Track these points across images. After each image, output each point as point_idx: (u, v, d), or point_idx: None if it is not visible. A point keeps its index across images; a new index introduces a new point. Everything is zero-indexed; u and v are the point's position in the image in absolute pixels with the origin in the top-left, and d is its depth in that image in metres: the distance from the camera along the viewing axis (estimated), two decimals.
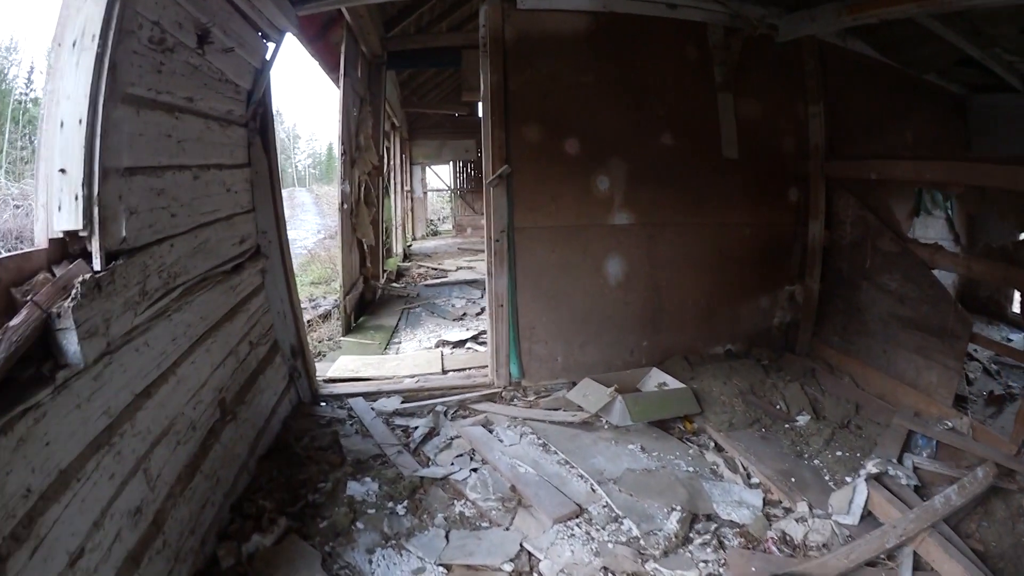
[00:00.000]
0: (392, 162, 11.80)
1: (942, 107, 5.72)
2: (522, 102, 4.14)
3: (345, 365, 4.97)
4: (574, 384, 4.37)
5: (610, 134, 4.35)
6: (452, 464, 3.42)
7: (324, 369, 4.88)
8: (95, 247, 1.93)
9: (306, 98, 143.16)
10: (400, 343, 5.94)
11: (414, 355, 5.31)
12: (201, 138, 2.79)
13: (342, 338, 6.06)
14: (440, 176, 20.27)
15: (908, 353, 3.92)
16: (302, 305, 8.09)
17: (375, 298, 7.74)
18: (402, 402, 4.10)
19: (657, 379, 4.29)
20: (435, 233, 18.71)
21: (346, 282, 6.27)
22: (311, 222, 22.51)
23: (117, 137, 2.00)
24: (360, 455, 3.47)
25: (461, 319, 6.73)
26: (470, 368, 4.89)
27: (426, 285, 8.72)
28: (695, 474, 3.32)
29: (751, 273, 4.79)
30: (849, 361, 4.44)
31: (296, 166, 57.50)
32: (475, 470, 3.34)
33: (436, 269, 10.64)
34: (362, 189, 6.94)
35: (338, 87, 6.28)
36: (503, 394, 4.26)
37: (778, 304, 4.89)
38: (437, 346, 5.61)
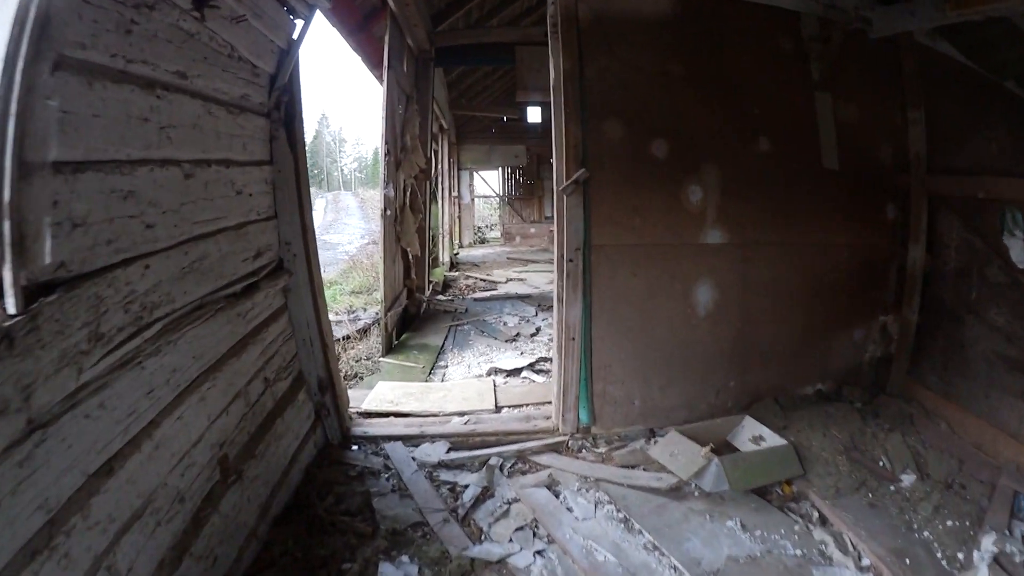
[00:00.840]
0: (440, 166, 11.25)
1: (1020, 117, 4.83)
2: (600, 94, 3.42)
3: (383, 395, 4.33)
4: (651, 432, 3.65)
5: (701, 135, 3.61)
6: (511, 541, 2.70)
7: (359, 398, 4.25)
8: (7, 279, 1.31)
9: (352, 102, 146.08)
10: (446, 367, 5.28)
11: (462, 385, 4.63)
12: (199, 126, 2.17)
13: (382, 359, 5.45)
14: (488, 182, 19.73)
15: (1012, 399, 3.35)
16: (340, 318, 7.55)
17: (420, 312, 7.13)
18: (449, 450, 3.42)
19: (751, 431, 3.53)
20: (483, 241, 18.14)
21: (388, 296, 5.66)
22: (355, 226, 22.33)
23: (46, 116, 1.38)
24: (397, 522, 2.79)
25: (514, 340, 6.03)
26: (527, 405, 4.18)
27: (475, 299, 8.07)
28: (803, 559, 2.64)
29: (845, 301, 4.02)
30: (946, 405, 3.73)
31: (342, 170, 58.20)
32: (540, 553, 2.62)
33: (485, 280, 10.00)
34: (407, 194, 6.34)
35: (381, 83, 5.69)
36: (570, 443, 3.53)
37: (871, 337, 4.12)
38: (489, 374, 4.92)
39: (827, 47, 3.77)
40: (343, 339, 6.24)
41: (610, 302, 3.44)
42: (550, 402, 4.20)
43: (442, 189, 11.37)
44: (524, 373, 4.90)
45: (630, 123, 3.45)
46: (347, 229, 21.23)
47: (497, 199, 20.37)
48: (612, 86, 3.44)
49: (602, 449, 3.53)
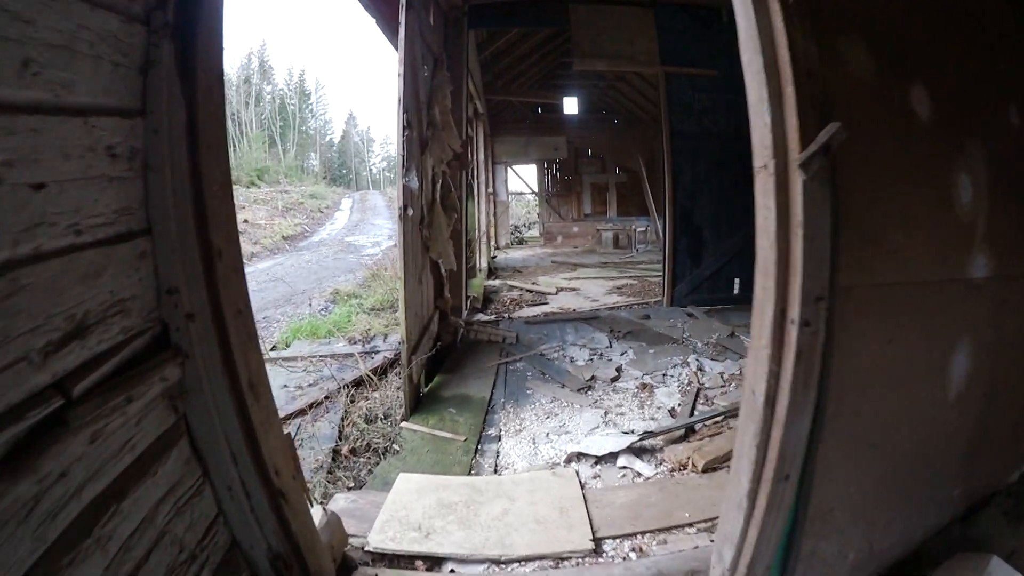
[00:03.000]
0: (475, 157, 9.58)
1: None
2: None
3: (406, 508, 2.68)
4: None
5: (968, 86, 1.88)
6: None
7: (366, 511, 2.64)
8: None
9: (379, 100, 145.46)
10: (500, 440, 3.59)
11: (531, 484, 2.92)
12: None
13: (405, 424, 3.80)
14: (522, 178, 18.06)
15: None
16: (351, 349, 5.92)
17: (456, 341, 5.48)
18: None
19: None
20: (520, 242, 16.46)
21: (411, 333, 4.01)
22: (382, 227, 20.84)
23: None
24: None
25: (589, 388, 4.31)
26: (645, 534, 2.48)
27: (525, 321, 6.32)
28: None
29: None
30: None
31: (371, 169, 57.23)
32: None
33: (532, 291, 8.31)
34: (437, 187, 4.69)
35: (398, 34, 4.02)
36: None
37: None
38: (569, 461, 3.22)
39: None
40: (351, 385, 4.64)
41: (853, 396, 1.66)
42: (683, 528, 2.51)
43: (478, 184, 9.71)
44: (624, 461, 3.17)
45: (878, 50, 1.70)
46: (373, 230, 19.77)
47: (533, 196, 18.70)
48: None
49: None
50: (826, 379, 1.56)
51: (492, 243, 12.90)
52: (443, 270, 5.12)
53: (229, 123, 38.96)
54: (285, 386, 4.91)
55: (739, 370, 4.77)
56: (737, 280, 6.81)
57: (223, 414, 1.45)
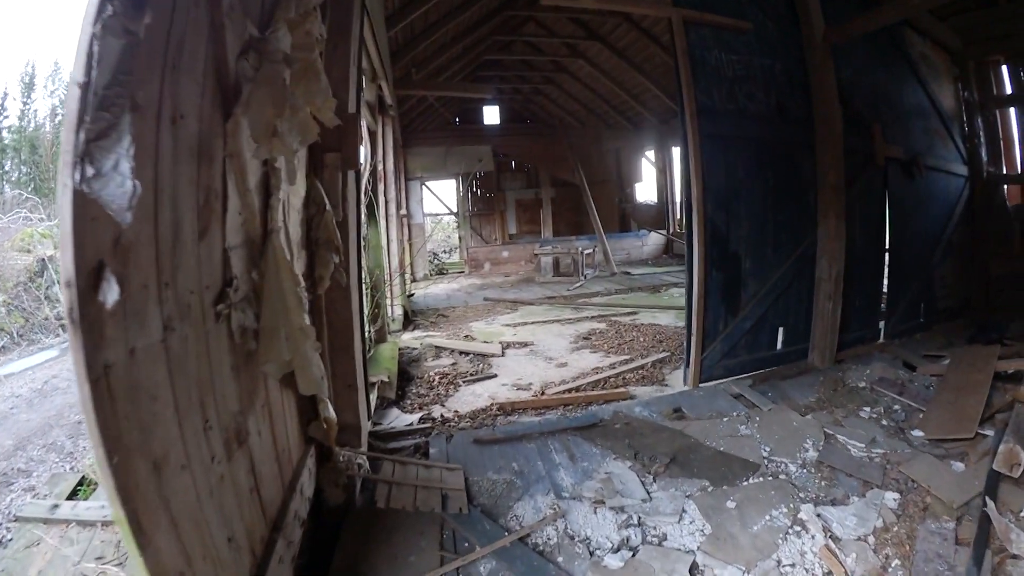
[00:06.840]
0: (383, 165, 6.94)
1: None
2: None
3: None
4: None
5: None
6: None
7: None
8: None
9: None
10: None
11: None
12: None
13: None
14: (439, 196, 15.56)
15: None
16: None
17: (352, 498, 2.84)
18: None
19: None
20: (441, 272, 13.80)
21: None
22: None
23: None
24: None
25: None
26: None
27: (475, 439, 3.54)
28: None
29: None
30: None
31: None
32: None
33: (467, 352, 5.75)
34: (277, 203, 2.09)
35: None
36: None
37: None
38: None
39: None
40: None
41: None
42: None
43: (386, 203, 7.07)
44: None
45: None
46: None
47: (452, 217, 16.21)
48: None
49: None
50: None
51: (408, 277, 10.22)
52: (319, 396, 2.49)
53: None
54: None
55: (881, 520, 2.51)
56: (781, 329, 4.59)
57: None
